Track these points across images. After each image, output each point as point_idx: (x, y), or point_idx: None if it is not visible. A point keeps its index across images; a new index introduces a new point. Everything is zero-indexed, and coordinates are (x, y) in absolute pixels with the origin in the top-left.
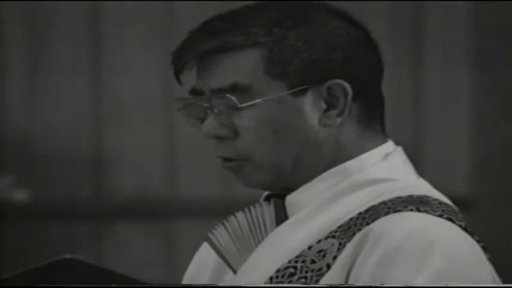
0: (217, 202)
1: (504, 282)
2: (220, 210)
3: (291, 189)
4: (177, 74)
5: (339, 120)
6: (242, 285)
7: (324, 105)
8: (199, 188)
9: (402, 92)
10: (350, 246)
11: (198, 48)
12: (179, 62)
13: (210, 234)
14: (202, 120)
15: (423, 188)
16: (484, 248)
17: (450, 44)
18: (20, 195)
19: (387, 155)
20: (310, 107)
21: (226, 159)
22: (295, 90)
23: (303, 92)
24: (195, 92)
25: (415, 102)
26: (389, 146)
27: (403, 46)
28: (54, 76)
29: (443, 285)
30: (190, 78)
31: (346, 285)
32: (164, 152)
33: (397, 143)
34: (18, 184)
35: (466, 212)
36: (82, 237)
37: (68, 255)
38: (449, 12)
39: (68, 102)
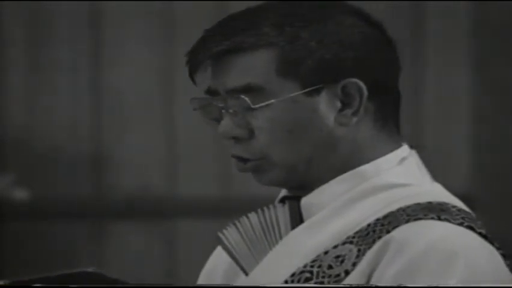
0: (217, 202)
1: None
2: (220, 210)
3: (307, 188)
4: (192, 74)
5: (354, 119)
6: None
7: (339, 105)
8: (199, 188)
9: (401, 92)
10: (370, 254)
11: (212, 49)
12: (193, 63)
13: (220, 234)
14: (218, 120)
15: (439, 193)
16: (504, 256)
17: (450, 44)
18: (20, 194)
19: (403, 159)
20: (325, 106)
21: (243, 160)
22: (309, 90)
23: (317, 91)
24: (210, 92)
25: (415, 102)
26: (405, 149)
27: (403, 46)
28: (54, 76)
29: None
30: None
31: (361, 285)
32: (164, 151)
33: (411, 146)
34: (19, 183)
35: None
36: (82, 237)
37: (89, 268)
38: (449, 12)
39: (68, 102)
